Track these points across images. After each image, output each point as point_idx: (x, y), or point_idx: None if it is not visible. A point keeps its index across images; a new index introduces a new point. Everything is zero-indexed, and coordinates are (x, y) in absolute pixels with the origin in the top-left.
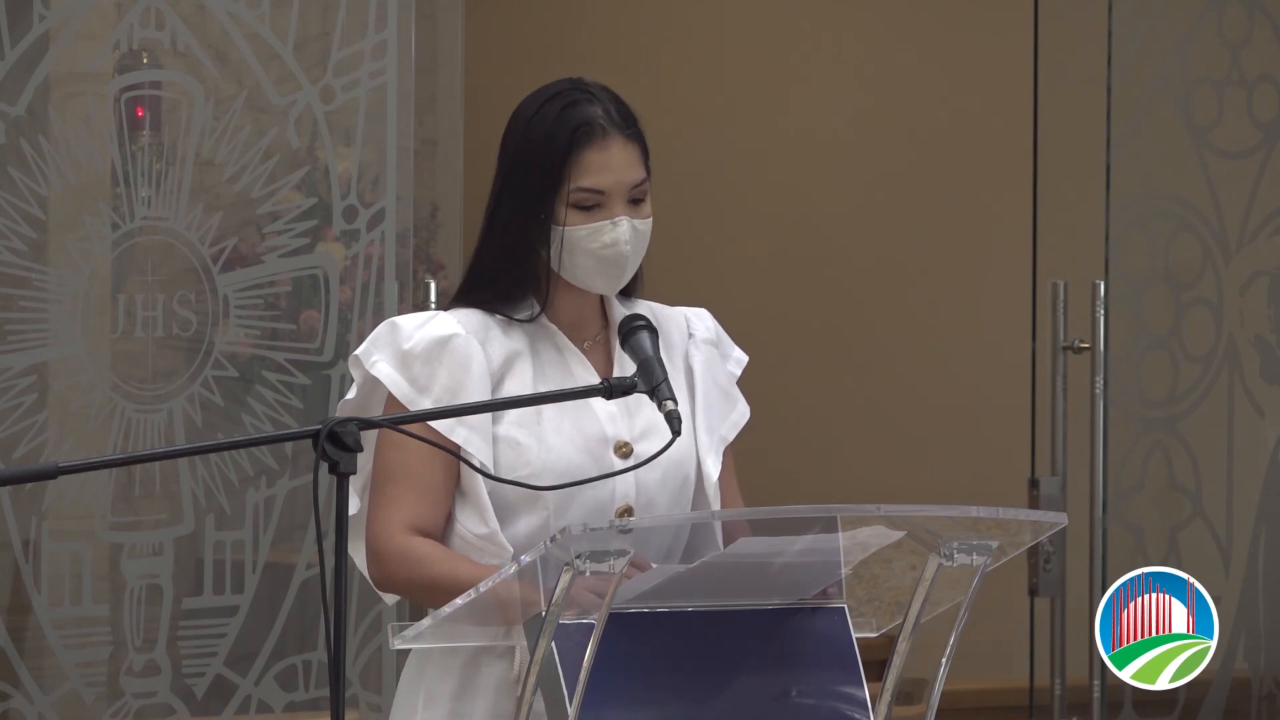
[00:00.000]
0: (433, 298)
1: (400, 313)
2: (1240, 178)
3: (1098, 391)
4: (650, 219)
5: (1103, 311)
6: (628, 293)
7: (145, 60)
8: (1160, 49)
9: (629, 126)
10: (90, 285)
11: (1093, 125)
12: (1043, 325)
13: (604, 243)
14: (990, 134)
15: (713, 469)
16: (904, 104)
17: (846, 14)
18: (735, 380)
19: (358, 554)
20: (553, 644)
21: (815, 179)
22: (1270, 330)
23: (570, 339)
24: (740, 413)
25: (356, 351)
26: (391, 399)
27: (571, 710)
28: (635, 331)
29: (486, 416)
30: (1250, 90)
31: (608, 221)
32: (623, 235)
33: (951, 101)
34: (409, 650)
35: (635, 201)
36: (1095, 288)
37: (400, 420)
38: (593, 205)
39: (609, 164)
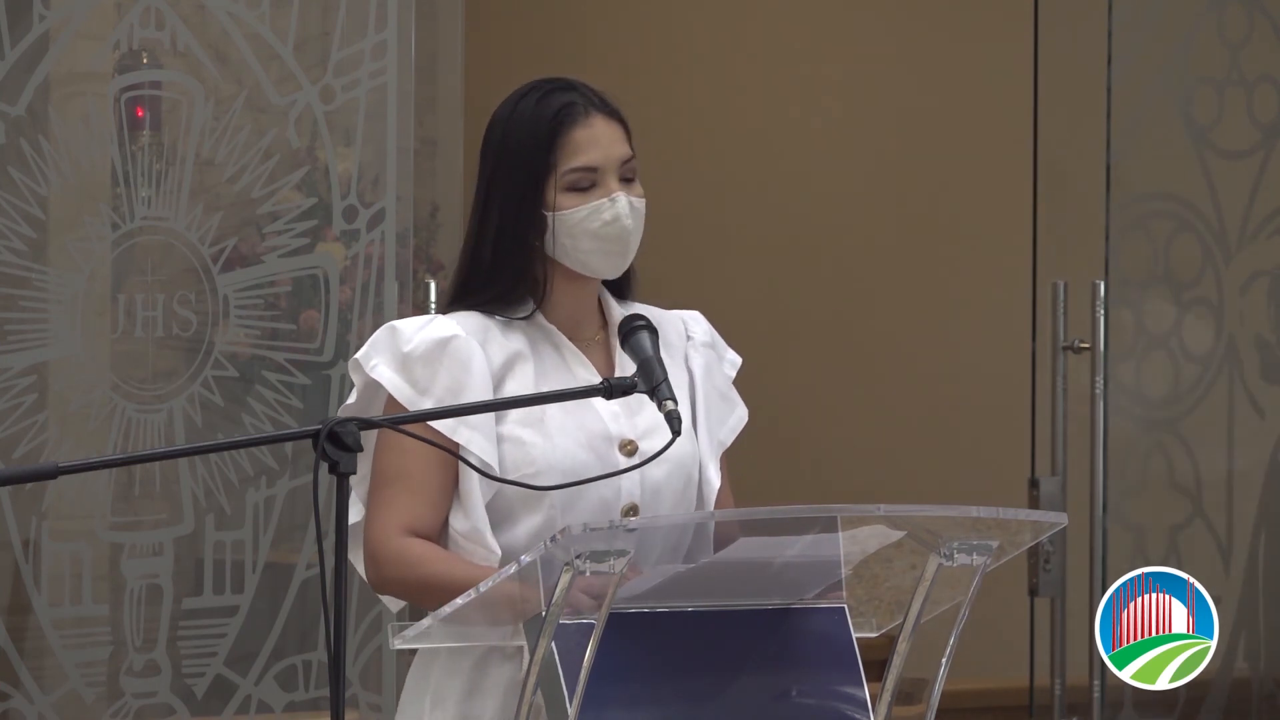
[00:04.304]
0: (433, 298)
1: (400, 313)
2: (1240, 178)
3: (1098, 391)
4: (644, 198)
5: (1103, 311)
6: (622, 295)
7: (145, 60)
8: (1160, 49)
9: (607, 106)
10: (90, 285)
11: (1093, 125)
12: (1043, 325)
13: (604, 220)
14: (990, 134)
15: (714, 476)
16: (904, 104)
17: (846, 14)
18: (730, 383)
19: (358, 560)
20: (553, 644)
21: (815, 179)
22: (1270, 330)
23: (569, 338)
24: (738, 417)
25: (356, 356)
26: (391, 402)
27: (571, 710)
28: (635, 331)
29: (489, 416)
30: (1250, 90)
31: (605, 199)
32: (623, 210)
33: (952, 101)
34: (410, 650)
35: (626, 180)
36: (1095, 288)
37: (400, 420)
38: (588, 186)
39: (597, 140)
